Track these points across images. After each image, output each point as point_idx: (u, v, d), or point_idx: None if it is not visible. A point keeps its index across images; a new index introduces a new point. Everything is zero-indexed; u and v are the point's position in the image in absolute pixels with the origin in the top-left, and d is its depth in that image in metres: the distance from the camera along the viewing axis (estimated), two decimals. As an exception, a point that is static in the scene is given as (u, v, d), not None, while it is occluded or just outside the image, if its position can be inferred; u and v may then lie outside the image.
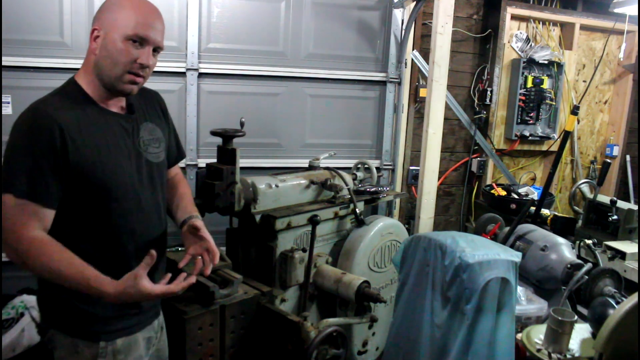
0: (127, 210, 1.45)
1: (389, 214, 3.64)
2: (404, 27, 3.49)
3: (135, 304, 1.48)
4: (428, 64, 2.91)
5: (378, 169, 3.29)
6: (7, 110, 2.82)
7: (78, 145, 1.34)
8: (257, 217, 2.24)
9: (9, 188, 1.29)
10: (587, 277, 2.23)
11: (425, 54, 3.48)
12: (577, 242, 2.88)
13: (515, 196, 3.64)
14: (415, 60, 3.72)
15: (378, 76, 3.52)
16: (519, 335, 1.93)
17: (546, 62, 4.04)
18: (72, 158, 1.33)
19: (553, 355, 1.79)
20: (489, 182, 4.10)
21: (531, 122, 4.12)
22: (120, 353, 1.48)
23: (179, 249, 2.02)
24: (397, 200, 3.75)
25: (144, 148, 1.51)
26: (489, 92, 4.00)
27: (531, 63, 4.03)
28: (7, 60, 2.76)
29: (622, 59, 4.37)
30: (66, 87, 1.42)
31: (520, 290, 2.20)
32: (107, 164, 1.40)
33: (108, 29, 1.37)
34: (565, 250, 2.42)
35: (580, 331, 1.94)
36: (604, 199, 3.11)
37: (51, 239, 1.32)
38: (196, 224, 1.58)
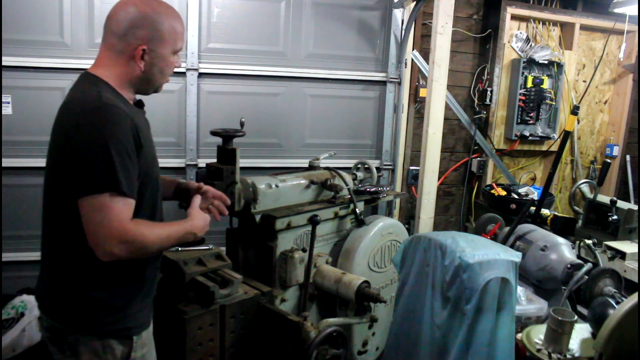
0: (160, 201, 1.57)
1: (389, 214, 3.64)
2: (404, 27, 3.49)
3: (153, 289, 1.59)
4: (428, 64, 2.91)
5: (378, 169, 3.29)
6: (7, 110, 2.82)
7: (143, 142, 1.39)
8: (257, 217, 2.24)
9: (113, 186, 1.29)
10: (587, 277, 2.23)
11: (425, 54, 3.48)
12: (577, 242, 2.87)
13: (515, 196, 3.64)
14: (415, 60, 3.72)
15: (378, 76, 3.52)
16: (519, 335, 1.93)
17: (546, 62, 4.04)
18: (142, 154, 1.39)
19: (553, 355, 1.79)
20: (489, 182, 4.10)
21: (531, 122, 4.12)
22: (145, 345, 1.52)
23: (179, 249, 2.02)
24: (397, 200, 3.75)
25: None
26: (489, 92, 4.00)
27: (531, 63, 4.03)
28: (7, 60, 2.77)
29: (622, 59, 4.37)
30: (100, 85, 1.40)
31: (520, 290, 2.20)
32: (154, 159, 1.49)
33: (156, 47, 1.42)
34: (565, 250, 2.42)
35: (580, 331, 1.94)
36: (604, 199, 3.11)
37: None
38: (193, 185, 1.78)
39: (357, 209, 2.53)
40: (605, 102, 4.56)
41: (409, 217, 3.93)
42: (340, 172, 2.63)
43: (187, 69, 3.08)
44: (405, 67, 3.58)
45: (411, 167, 3.91)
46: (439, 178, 3.77)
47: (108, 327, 1.42)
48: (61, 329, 1.43)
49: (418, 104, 3.82)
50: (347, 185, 2.57)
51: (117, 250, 1.29)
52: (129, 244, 1.30)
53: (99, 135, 1.29)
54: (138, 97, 1.56)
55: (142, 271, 1.49)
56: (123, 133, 1.32)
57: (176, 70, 2.99)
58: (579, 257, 2.69)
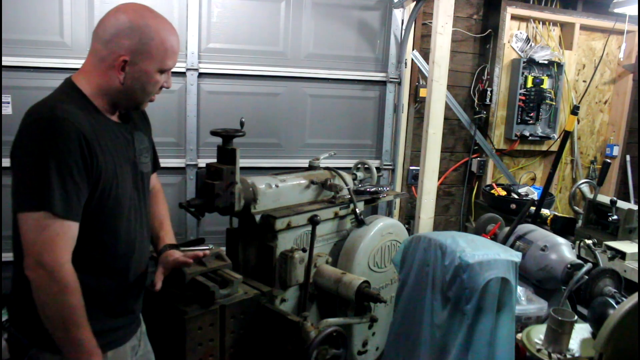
0: (132, 223, 1.44)
1: (389, 214, 3.64)
2: (404, 27, 3.48)
3: (128, 311, 1.49)
4: (428, 64, 2.91)
5: (378, 169, 3.29)
6: (7, 110, 2.82)
7: (99, 157, 1.29)
8: (257, 217, 2.24)
9: (46, 205, 1.20)
10: (587, 277, 2.23)
11: (425, 54, 3.48)
12: (577, 242, 2.87)
13: (515, 196, 3.64)
14: (415, 60, 3.72)
15: (378, 76, 3.52)
16: (519, 335, 1.93)
17: (546, 62, 4.04)
18: (96, 171, 1.29)
19: (553, 355, 1.79)
20: (489, 182, 4.10)
21: (531, 122, 4.12)
22: None
23: (179, 249, 2.02)
24: (397, 200, 3.75)
25: (138, 158, 1.48)
26: (489, 92, 4.00)
27: (531, 63, 4.03)
28: (7, 60, 2.76)
29: (622, 59, 4.37)
30: (70, 94, 1.33)
31: (520, 290, 2.20)
32: (119, 177, 1.37)
33: (139, 61, 1.33)
34: (565, 250, 2.42)
35: (580, 331, 1.94)
36: (604, 199, 3.11)
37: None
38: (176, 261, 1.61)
39: (357, 209, 2.53)
40: (605, 102, 4.56)
41: (409, 217, 3.93)
42: (340, 172, 2.63)
43: (187, 69, 3.08)
44: (405, 67, 3.57)
45: (411, 167, 3.91)
46: (439, 178, 3.77)
47: None
48: (22, 342, 1.37)
49: (418, 104, 3.82)
50: (347, 185, 2.57)
51: (34, 271, 1.22)
52: (46, 272, 1.21)
53: (39, 150, 1.20)
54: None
55: (105, 292, 1.40)
56: (67, 149, 1.22)
57: (176, 70, 3.04)
58: (579, 257, 2.69)
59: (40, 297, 1.24)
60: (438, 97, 2.82)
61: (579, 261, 2.35)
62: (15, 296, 1.39)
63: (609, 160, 4.03)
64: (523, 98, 4.06)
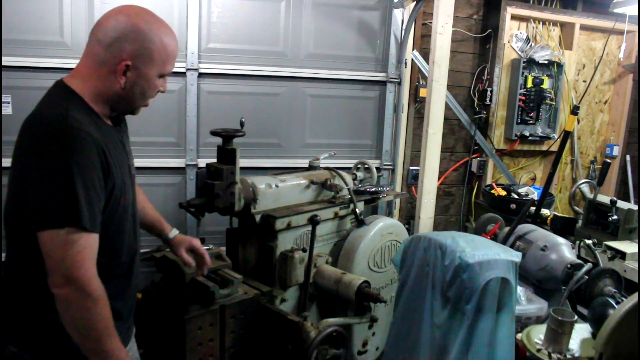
0: (132, 228, 1.44)
1: (389, 214, 3.64)
2: (404, 27, 3.48)
3: (129, 314, 1.49)
4: (428, 64, 2.91)
5: (378, 169, 3.29)
6: (7, 110, 2.82)
7: (112, 167, 1.29)
8: (257, 217, 2.24)
9: (74, 220, 1.18)
10: (587, 277, 2.23)
11: (425, 54, 3.48)
12: (577, 242, 2.87)
13: (515, 196, 3.64)
14: (415, 60, 3.72)
15: (378, 76, 3.52)
16: (519, 335, 1.93)
17: (546, 62, 4.04)
18: (110, 181, 1.29)
19: (553, 355, 1.79)
20: (489, 182, 4.10)
21: (531, 122, 4.12)
22: None
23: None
24: (397, 200, 3.75)
25: (130, 161, 1.48)
26: (489, 92, 4.00)
27: (531, 63, 4.03)
28: (7, 60, 2.76)
29: (622, 59, 4.37)
30: (71, 99, 1.29)
31: (520, 290, 2.20)
32: (125, 184, 1.38)
33: (141, 65, 1.31)
34: (565, 250, 2.42)
35: (580, 331, 1.94)
36: (604, 199, 3.11)
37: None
38: (195, 245, 1.78)
39: (357, 209, 2.53)
40: (605, 102, 4.56)
41: (409, 217, 3.93)
42: (340, 172, 2.63)
43: (187, 69, 3.08)
44: (405, 67, 3.57)
45: (411, 167, 3.91)
46: (439, 178, 3.77)
47: (71, 354, 1.29)
48: (23, 357, 1.32)
49: (418, 104, 3.82)
50: (347, 185, 2.57)
51: (63, 288, 1.19)
52: (77, 287, 1.19)
53: (62, 165, 1.17)
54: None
55: (113, 297, 1.35)
56: (88, 161, 1.20)
57: (176, 70, 3.04)
58: (579, 257, 2.69)
59: (71, 313, 1.22)
60: (438, 97, 2.82)
61: (579, 261, 2.35)
62: (14, 311, 1.34)
63: (609, 160, 4.03)
64: (523, 98, 4.05)
